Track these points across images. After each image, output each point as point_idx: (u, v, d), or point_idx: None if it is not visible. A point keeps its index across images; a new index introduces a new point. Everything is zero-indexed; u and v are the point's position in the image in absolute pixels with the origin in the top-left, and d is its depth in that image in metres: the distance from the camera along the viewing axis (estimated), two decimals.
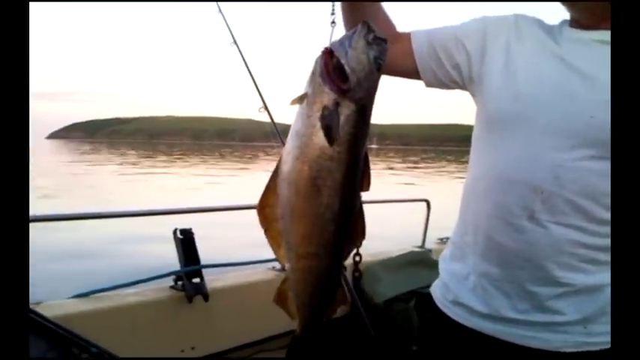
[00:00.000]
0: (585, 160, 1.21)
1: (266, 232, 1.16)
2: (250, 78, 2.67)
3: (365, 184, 1.16)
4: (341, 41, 1.10)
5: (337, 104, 1.06)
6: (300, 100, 1.10)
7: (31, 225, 2.16)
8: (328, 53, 1.09)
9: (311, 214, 1.11)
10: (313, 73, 1.09)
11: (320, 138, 1.06)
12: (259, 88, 2.66)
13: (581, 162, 1.21)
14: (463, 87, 1.43)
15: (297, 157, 1.08)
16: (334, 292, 1.24)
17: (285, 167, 1.11)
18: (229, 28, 2.53)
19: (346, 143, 1.07)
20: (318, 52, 1.12)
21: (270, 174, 1.15)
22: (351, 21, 1.33)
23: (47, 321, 1.94)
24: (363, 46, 1.07)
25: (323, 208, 1.10)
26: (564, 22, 1.36)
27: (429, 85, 1.45)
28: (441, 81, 1.43)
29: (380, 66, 1.09)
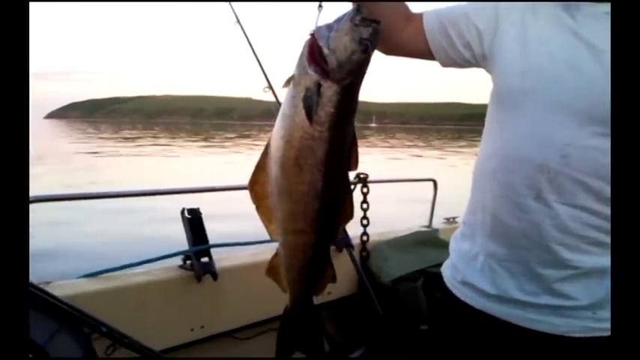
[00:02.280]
0: (594, 138, 1.19)
1: (257, 208, 1.23)
2: (255, 58, 2.65)
3: (352, 164, 1.20)
4: (329, 24, 1.14)
5: (319, 85, 1.10)
6: (289, 82, 1.15)
7: (39, 205, 2.17)
8: (314, 36, 1.13)
9: (295, 192, 1.16)
10: (301, 56, 1.14)
11: (302, 118, 1.11)
12: (264, 67, 2.65)
13: (589, 140, 1.20)
14: (477, 65, 1.42)
15: (282, 137, 1.14)
16: (322, 268, 1.29)
17: (273, 146, 1.17)
18: (232, 7, 2.51)
19: (328, 123, 1.11)
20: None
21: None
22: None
23: (58, 300, 1.95)
24: (347, 29, 1.10)
25: (306, 185, 1.15)
26: None
27: (444, 64, 1.44)
28: (454, 60, 1.42)
29: (367, 47, 1.11)
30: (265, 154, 1.19)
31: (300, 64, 1.14)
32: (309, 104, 1.10)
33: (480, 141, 1.45)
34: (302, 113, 1.11)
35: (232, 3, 2.50)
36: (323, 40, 1.11)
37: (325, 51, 1.10)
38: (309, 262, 1.24)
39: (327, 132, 1.11)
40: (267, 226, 1.24)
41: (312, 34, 1.14)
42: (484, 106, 1.46)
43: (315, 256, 1.24)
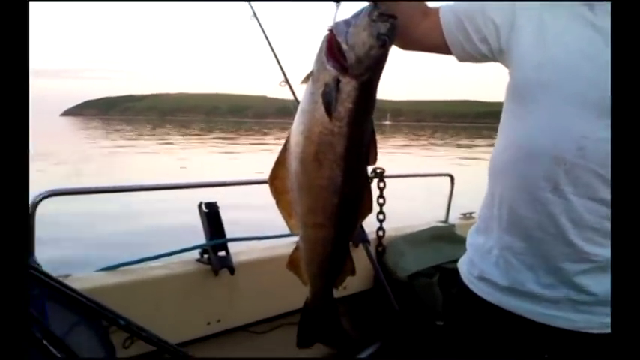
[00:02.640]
0: (609, 130, 1.18)
1: (277, 203, 1.25)
2: (271, 51, 2.66)
3: (371, 158, 1.21)
4: (347, 20, 1.15)
5: (338, 81, 1.11)
6: (307, 78, 1.16)
7: (58, 199, 2.20)
8: (332, 32, 1.14)
9: (315, 186, 1.17)
10: (319, 52, 1.15)
11: (321, 113, 1.12)
12: (280, 61, 2.65)
13: (605, 132, 1.19)
14: (494, 59, 1.41)
15: (302, 132, 1.15)
16: (342, 261, 1.30)
17: (292, 142, 1.18)
18: (249, 2, 2.51)
19: (347, 118, 1.12)
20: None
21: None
22: None
23: (77, 293, 1.97)
24: (365, 24, 1.12)
25: (326, 180, 1.16)
26: None
27: (460, 59, 1.44)
28: (471, 54, 1.41)
29: (385, 42, 1.12)
30: (285, 149, 1.20)
31: (318, 60, 1.14)
32: (329, 100, 1.10)
33: (495, 138, 1.44)
34: (321, 109, 1.12)
35: None
36: (341, 35, 1.12)
37: (344, 47, 1.11)
38: (329, 255, 1.25)
39: (346, 127, 1.12)
40: (287, 221, 1.25)
41: (331, 30, 1.14)
42: (500, 104, 1.46)
43: (335, 249, 1.25)
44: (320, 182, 1.16)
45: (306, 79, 1.16)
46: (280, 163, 1.21)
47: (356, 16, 1.14)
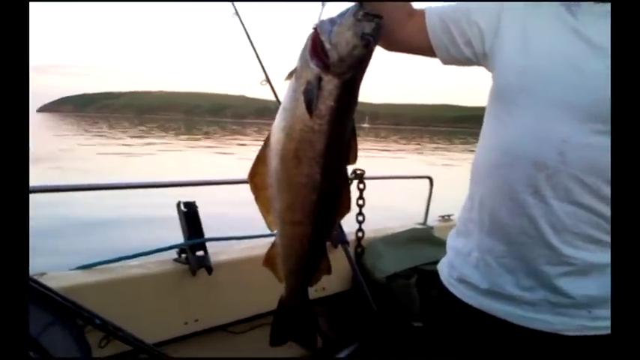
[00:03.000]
0: (592, 135, 1.20)
1: (256, 199, 1.25)
2: (252, 50, 2.66)
3: (351, 158, 1.21)
4: (332, 19, 1.15)
5: (320, 79, 1.11)
6: (291, 75, 1.16)
7: (35, 196, 2.16)
8: (317, 30, 1.15)
9: (294, 183, 1.18)
10: (303, 50, 1.16)
11: (302, 111, 1.12)
12: (262, 60, 2.65)
13: (587, 137, 1.20)
14: (478, 63, 1.42)
15: (283, 129, 1.16)
16: (318, 259, 1.31)
17: (273, 138, 1.18)
18: None
19: (327, 116, 1.12)
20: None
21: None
22: None
23: (51, 292, 1.95)
24: (349, 24, 1.12)
25: (305, 177, 1.16)
26: None
27: (445, 62, 1.44)
28: (455, 58, 1.41)
29: (369, 42, 1.13)
30: (265, 146, 1.21)
31: (302, 58, 1.15)
32: (310, 97, 1.11)
33: (473, 143, 1.45)
34: (302, 106, 1.12)
35: None
36: (325, 34, 1.12)
37: (327, 45, 1.11)
38: (305, 253, 1.26)
39: (326, 125, 1.12)
40: (265, 217, 1.26)
41: (316, 28, 1.15)
42: (477, 109, 1.46)
43: (312, 247, 1.25)
44: (299, 179, 1.17)
45: (289, 77, 1.17)
46: (261, 159, 1.22)
47: (341, 15, 1.14)
